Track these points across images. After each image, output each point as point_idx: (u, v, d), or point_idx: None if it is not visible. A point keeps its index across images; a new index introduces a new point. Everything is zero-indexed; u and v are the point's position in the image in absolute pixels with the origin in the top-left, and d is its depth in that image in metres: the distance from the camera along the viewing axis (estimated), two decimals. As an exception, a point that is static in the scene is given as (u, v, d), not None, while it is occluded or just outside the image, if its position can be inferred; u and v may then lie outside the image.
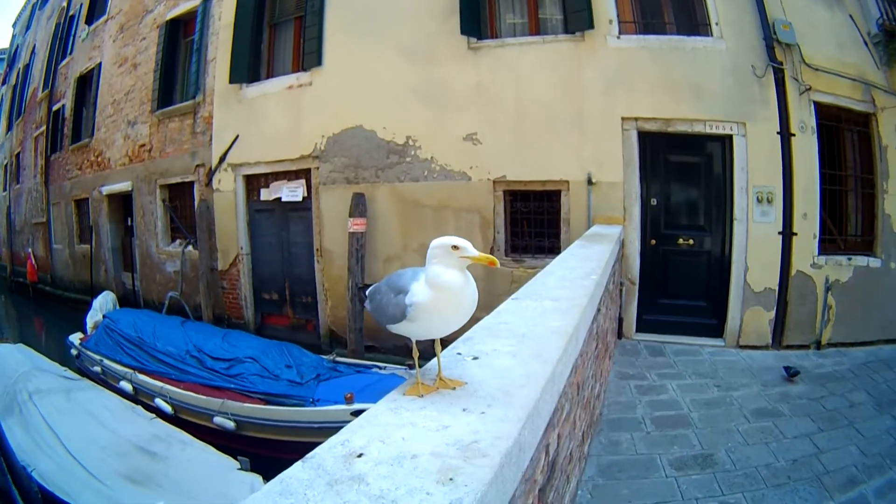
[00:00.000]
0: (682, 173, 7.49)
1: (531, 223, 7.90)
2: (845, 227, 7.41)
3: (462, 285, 1.56)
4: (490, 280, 7.04)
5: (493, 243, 7.89)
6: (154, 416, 6.28)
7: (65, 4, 17.35)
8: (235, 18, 9.77)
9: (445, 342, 1.80)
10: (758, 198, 6.94)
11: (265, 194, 9.76)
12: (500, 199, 7.93)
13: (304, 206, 9.33)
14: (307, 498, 1.07)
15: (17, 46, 24.15)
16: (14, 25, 25.39)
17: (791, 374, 5.62)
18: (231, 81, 9.82)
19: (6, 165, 22.77)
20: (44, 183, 17.62)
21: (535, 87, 7.67)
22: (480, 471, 1.18)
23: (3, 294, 20.69)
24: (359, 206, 8.35)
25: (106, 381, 7.63)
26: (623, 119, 7.30)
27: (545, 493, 1.97)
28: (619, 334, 7.12)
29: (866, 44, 7.15)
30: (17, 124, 21.43)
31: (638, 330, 7.37)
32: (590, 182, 7.37)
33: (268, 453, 5.66)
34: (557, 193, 7.67)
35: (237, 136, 9.86)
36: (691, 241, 7.36)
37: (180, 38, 11.75)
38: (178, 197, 11.79)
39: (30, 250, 18.88)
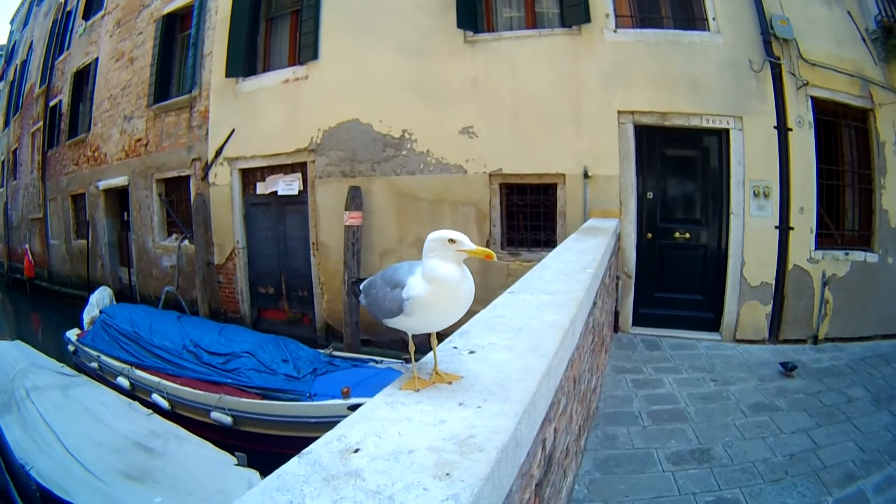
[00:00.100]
0: (679, 167, 7.49)
1: (527, 216, 7.90)
2: (842, 222, 7.42)
3: (459, 279, 1.56)
4: (486, 273, 7.03)
5: (490, 237, 7.89)
6: (151, 411, 6.28)
7: (62, 0, 17.26)
8: (232, 12, 9.72)
9: (442, 336, 1.80)
10: (754, 192, 6.94)
11: (261, 188, 9.73)
12: (496, 193, 7.92)
13: (300, 200, 9.31)
14: (304, 494, 1.06)
15: (15, 43, 24.08)
16: (12, 22, 25.31)
17: (788, 368, 5.61)
18: (227, 75, 9.79)
19: (3, 161, 22.70)
20: (40, 178, 17.58)
21: (531, 80, 7.66)
22: (477, 466, 1.17)
23: (1, 290, 20.64)
24: (355, 199, 8.34)
25: (103, 377, 7.63)
26: (619, 113, 7.29)
27: (542, 488, 1.97)
28: (616, 328, 7.13)
29: (864, 40, 7.13)
30: (15, 120, 21.38)
31: (634, 324, 7.38)
32: (586, 175, 7.37)
33: (265, 448, 5.64)
34: (554, 187, 7.67)
35: (233, 130, 9.83)
36: (688, 235, 7.36)
37: (177, 33, 11.68)
38: (175, 191, 11.76)
39: (27, 246, 18.88)
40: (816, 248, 7.00)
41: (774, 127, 6.86)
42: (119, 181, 12.96)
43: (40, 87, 17.93)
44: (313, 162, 9.03)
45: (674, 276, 7.43)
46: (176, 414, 6.48)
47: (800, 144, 6.89)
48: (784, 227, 6.90)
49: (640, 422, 4.61)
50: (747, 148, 6.96)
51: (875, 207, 7.23)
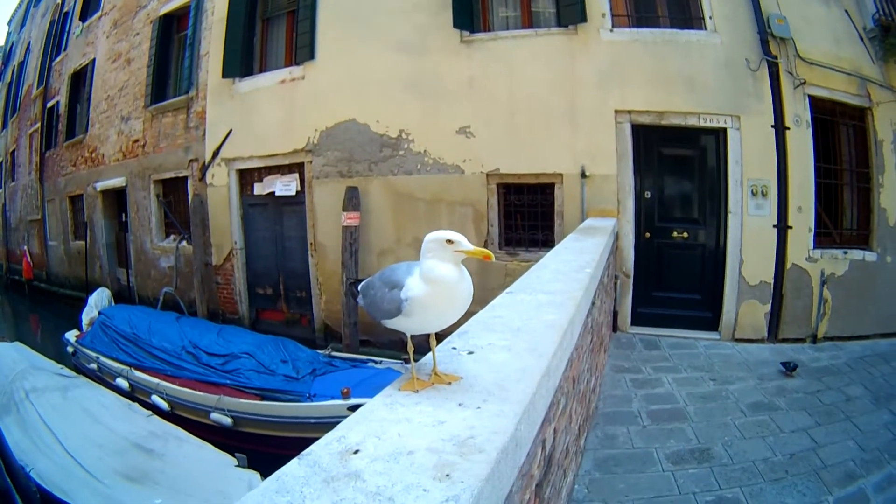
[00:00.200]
0: (676, 166, 7.49)
1: (525, 216, 7.90)
2: (841, 221, 7.41)
3: (457, 280, 1.56)
4: (484, 274, 7.02)
5: (487, 237, 7.89)
6: (151, 413, 6.26)
7: (59, 1, 17.24)
8: (228, 13, 9.71)
9: (440, 337, 1.79)
10: (752, 191, 6.94)
11: (259, 189, 9.73)
12: (493, 193, 7.92)
13: (297, 201, 9.31)
14: (304, 495, 1.06)
15: (12, 44, 24.09)
16: (9, 23, 25.28)
17: (789, 368, 5.59)
18: (224, 76, 9.77)
19: (1, 163, 22.68)
20: (38, 180, 17.57)
21: (528, 80, 7.66)
22: (477, 466, 1.17)
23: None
24: (352, 199, 8.33)
25: (102, 378, 7.61)
26: (616, 112, 7.29)
27: (542, 489, 1.97)
28: (614, 328, 7.13)
29: (862, 38, 7.14)
30: (12, 122, 21.38)
31: (633, 323, 7.38)
32: (583, 175, 7.37)
33: (265, 449, 5.64)
34: (551, 186, 7.67)
35: (230, 131, 9.82)
36: (686, 234, 7.37)
37: (173, 34, 11.67)
38: (172, 192, 11.75)
39: (25, 247, 18.86)
40: (815, 247, 7.00)
41: (772, 126, 6.86)
42: (117, 182, 12.95)
43: (37, 88, 17.93)
44: (310, 162, 9.02)
45: (672, 275, 7.43)
46: (175, 415, 6.46)
47: (797, 143, 6.89)
48: (782, 226, 6.90)
49: (640, 421, 4.61)
50: (745, 147, 6.96)
51: (873, 206, 7.23)
